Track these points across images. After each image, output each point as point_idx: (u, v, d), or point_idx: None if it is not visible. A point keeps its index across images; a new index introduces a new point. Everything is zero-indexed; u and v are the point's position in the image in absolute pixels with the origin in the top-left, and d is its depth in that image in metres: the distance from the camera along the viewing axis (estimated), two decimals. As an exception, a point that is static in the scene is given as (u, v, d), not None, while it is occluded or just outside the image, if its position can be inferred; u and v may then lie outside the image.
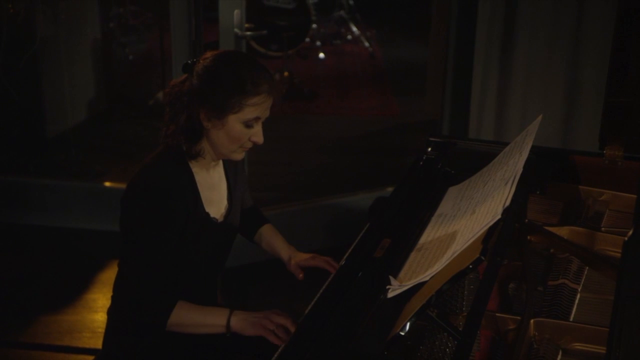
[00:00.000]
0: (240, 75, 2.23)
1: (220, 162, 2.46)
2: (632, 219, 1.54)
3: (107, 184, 4.75)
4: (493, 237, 1.94)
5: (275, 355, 1.93)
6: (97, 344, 3.58)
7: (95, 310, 3.87)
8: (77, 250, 4.44)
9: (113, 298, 2.49)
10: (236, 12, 3.86)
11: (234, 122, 2.24)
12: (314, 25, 7.42)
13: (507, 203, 1.99)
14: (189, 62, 2.29)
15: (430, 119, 5.80)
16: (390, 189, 4.34)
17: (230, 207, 2.48)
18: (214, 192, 2.42)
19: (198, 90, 2.24)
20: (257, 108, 2.25)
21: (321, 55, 7.53)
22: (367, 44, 7.74)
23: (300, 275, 2.55)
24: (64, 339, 3.66)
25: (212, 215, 2.38)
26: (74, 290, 4.03)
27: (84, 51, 5.64)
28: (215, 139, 2.29)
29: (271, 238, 2.68)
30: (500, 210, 1.97)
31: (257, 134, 2.29)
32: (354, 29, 7.86)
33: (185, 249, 2.31)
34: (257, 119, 2.27)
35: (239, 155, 2.35)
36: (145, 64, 6.65)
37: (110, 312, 2.50)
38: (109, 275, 4.16)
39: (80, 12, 5.59)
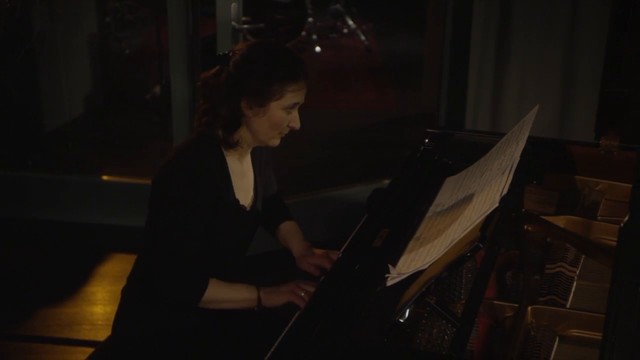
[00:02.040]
0: (279, 62, 2.32)
1: (249, 152, 2.51)
2: (628, 206, 1.56)
3: (105, 177, 4.76)
4: (491, 225, 1.97)
5: (276, 343, 1.95)
6: (97, 336, 3.62)
7: (95, 302, 3.89)
8: (76, 243, 4.45)
9: (129, 278, 2.55)
10: (233, 5, 3.88)
11: (276, 108, 2.32)
12: (310, 19, 7.43)
13: (505, 191, 2.01)
14: (223, 53, 2.36)
15: (427, 112, 5.82)
16: (387, 181, 4.37)
17: (256, 197, 2.55)
18: (243, 180, 2.49)
19: (238, 80, 2.31)
20: (296, 94, 2.34)
21: (317, 48, 7.53)
22: (363, 38, 7.74)
23: (317, 272, 2.56)
24: (64, 332, 3.68)
25: (241, 202, 2.45)
26: (73, 284, 4.04)
27: (80, 46, 5.64)
28: (256, 127, 2.36)
29: (287, 235, 2.72)
30: (497, 198, 1.99)
31: (295, 120, 2.38)
32: (350, 22, 7.86)
33: (214, 233, 2.38)
34: (296, 104, 2.36)
35: (276, 141, 2.43)
36: (141, 58, 6.65)
37: (125, 292, 2.56)
38: (108, 268, 4.18)
39: (76, 6, 5.59)
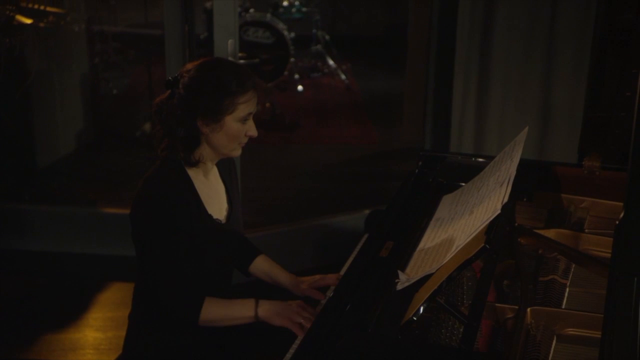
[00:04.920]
0: (226, 77, 2.40)
1: (214, 166, 2.59)
2: (624, 202, 1.74)
3: (103, 209, 4.87)
4: (495, 229, 2.13)
5: (299, 341, 2.10)
6: None
7: (97, 328, 3.99)
8: (75, 273, 4.56)
9: (134, 304, 2.63)
10: (230, 41, 4.06)
11: (231, 121, 2.42)
12: (292, 59, 7.64)
13: (506, 199, 2.18)
14: (171, 78, 2.43)
15: (408, 146, 6.05)
16: (367, 211, 4.52)
17: (231, 208, 2.62)
18: (213, 194, 2.56)
19: (190, 102, 2.39)
20: (248, 104, 2.43)
21: (300, 87, 7.74)
22: (343, 77, 7.97)
23: (321, 295, 2.61)
24: (68, 356, 3.77)
25: (215, 216, 2.52)
26: (75, 311, 4.15)
27: (72, 85, 5.80)
28: (215, 142, 2.45)
29: (269, 267, 2.77)
30: (499, 206, 2.16)
31: (251, 128, 2.47)
32: (331, 62, 8.10)
33: (197, 252, 2.45)
34: (249, 114, 2.45)
35: (237, 152, 2.51)
36: (129, 98, 6.83)
37: (132, 317, 2.63)
38: (108, 296, 4.29)
39: (68, 47, 5.76)
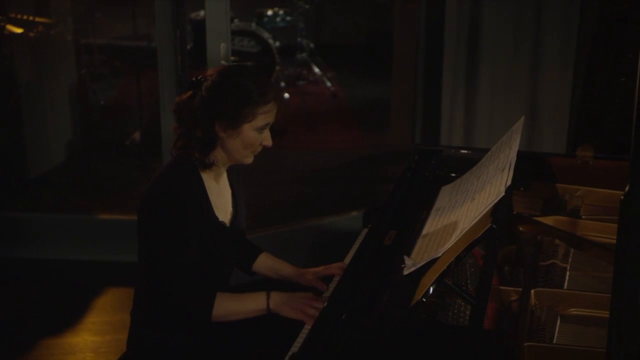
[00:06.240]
0: (249, 86, 2.42)
1: (225, 171, 2.63)
2: (628, 178, 1.78)
3: (97, 216, 4.89)
4: (500, 211, 2.17)
5: (307, 329, 2.13)
6: (101, 363, 3.75)
7: (95, 332, 4.00)
8: (70, 280, 4.57)
9: (135, 304, 2.64)
10: (222, 45, 4.09)
11: (248, 130, 2.44)
12: (278, 67, 7.70)
13: (509, 182, 2.22)
14: (195, 79, 2.46)
15: (396, 150, 6.10)
16: (355, 213, 4.58)
17: (235, 213, 2.66)
18: (220, 198, 2.59)
19: (210, 105, 2.42)
20: (267, 115, 2.45)
21: (286, 95, 7.79)
22: (328, 84, 8.03)
23: (324, 286, 2.66)
24: (67, 359, 3.79)
25: (220, 219, 2.55)
26: (73, 316, 4.15)
27: (61, 95, 5.82)
28: (230, 147, 2.48)
29: (273, 262, 2.82)
30: (502, 189, 2.20)
31: (267, 139, 2.49)
32: (316, 70, 8.16)
33: (201, 251, 2.47)
34: (267, 124, 2.47)
35: (250, 160, 2.53)
36: (117, 108, 6.86)
37: (134, 316, 2.64)
38: (105, 300, 4.30)
39: (57, 58, 5.78)
